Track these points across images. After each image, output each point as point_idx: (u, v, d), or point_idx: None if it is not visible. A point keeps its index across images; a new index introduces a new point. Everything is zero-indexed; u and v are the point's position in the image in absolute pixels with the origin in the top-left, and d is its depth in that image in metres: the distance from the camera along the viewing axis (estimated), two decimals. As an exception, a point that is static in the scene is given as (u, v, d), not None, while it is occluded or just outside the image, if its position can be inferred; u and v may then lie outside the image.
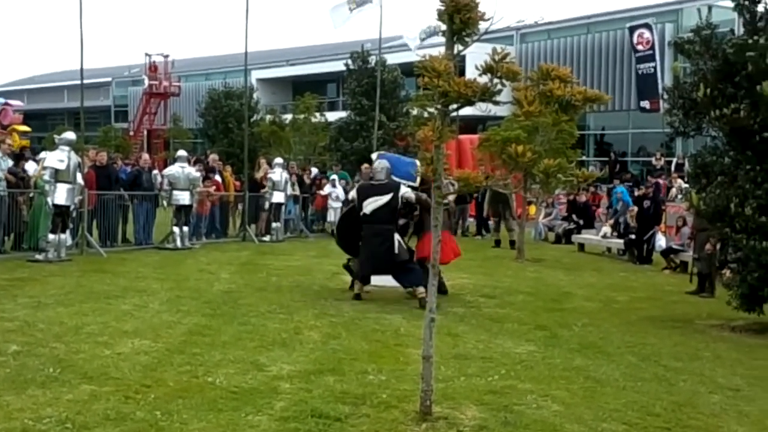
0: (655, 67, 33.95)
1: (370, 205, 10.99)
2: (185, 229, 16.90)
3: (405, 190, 11.06)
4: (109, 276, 12.45)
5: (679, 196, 18.30)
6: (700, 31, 10.89)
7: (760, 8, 10.27)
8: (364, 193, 11.22)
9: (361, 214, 11.08)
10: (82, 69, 15.75)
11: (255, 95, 36.74)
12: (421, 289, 10.44)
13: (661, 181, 22.88)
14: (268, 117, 34.50)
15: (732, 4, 10.51)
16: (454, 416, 5.86)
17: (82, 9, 15.19)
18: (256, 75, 46.84)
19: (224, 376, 6.76)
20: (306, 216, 21.86)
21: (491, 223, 21.49)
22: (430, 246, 10.67)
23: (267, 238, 19.15)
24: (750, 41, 9.74)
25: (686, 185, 15.47)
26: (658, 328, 10.18)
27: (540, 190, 20.20)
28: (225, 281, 12.51)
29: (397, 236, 11.10)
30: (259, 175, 20.34)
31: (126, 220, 17.27)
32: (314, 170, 24.01)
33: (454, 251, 11.73)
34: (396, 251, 11.01)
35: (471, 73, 6.07)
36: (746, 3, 10.28)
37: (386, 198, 10.95)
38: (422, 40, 22.02)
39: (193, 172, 17.45)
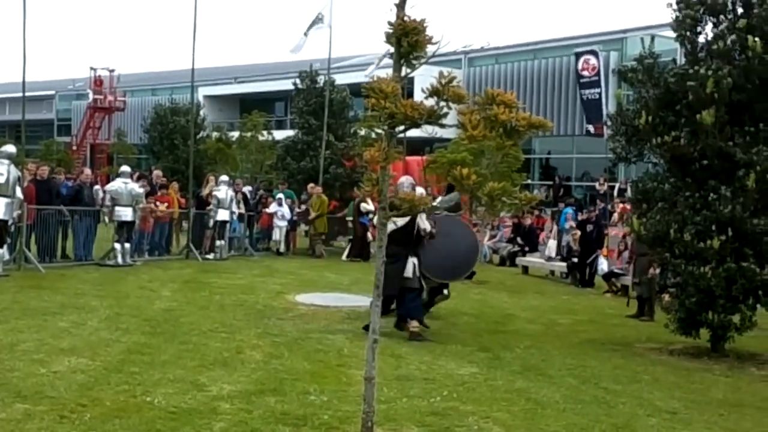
0: (600, 93, 34.55)
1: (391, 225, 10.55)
2: (127, 245, 16.63)
3: (421, 220, 10.49)
4: (47, 292, 12.19)
5: (622, 221, 18.60)
6: (643, 59, 11.13)
7: (701, 39, 10.54)
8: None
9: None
10: (24, 81, 15.46)
11: (202, 112, 36.40)
12: (415, 323, 10.32)
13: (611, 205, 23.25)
14: (215, 134, 34.25)
15: (674, 35, 10.78)
16: (396, 438, 5.85)
17: (25, 20, 14.93)
18: (203, 92, 46.53)
19: (163, 395, 6.65)
20: (251, 234, 21.72)
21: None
22: None
23: (211, 256, 18.96)
24: (691, 71, 9.98)
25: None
26: (598, 351, 10.31)
27: (485, 212, 20.38)
28: (166, 299, 12.34)
29: (413, 260, 10.52)
30: (205, 192, 20.16)
31: (66, 235, 16.92)
32: (247, 188, 23.88)
33: None
34: (407, 275, 10.45)
35: (419, 95, 6.11)
36: (687, 34, 10.54)
37: (403, 221, 10.21)
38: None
39: (137, 188, 17.21)
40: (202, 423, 5.98)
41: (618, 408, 7.34)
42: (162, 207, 18.63)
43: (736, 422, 7.20)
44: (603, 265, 17.91)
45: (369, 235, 19.63)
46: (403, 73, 5.73)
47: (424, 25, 5.58)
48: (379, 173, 5.80)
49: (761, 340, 11.14)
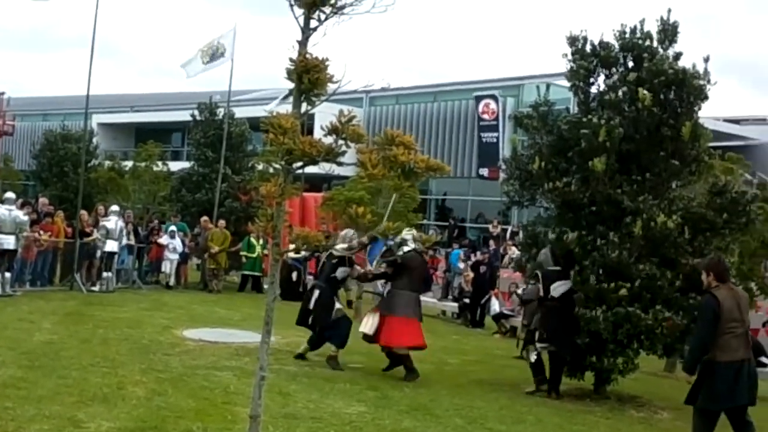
0: (497, 137, 35.43)
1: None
2: (7, 275, 15.93)
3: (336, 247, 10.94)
4: None
5: (512, 264, 18.99)
6: (538, 107, 11.46)
7: (594, 90, 10.95)
8: None
9: None
10: None
11: (95, 140, 35.53)
12: (333, 348, 10.84)
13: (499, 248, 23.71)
14: (107, 163, 33.38)
15: (568, 84, 11.15)
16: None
17: None
18: (97, 119, 45.42)
19: (37, 432, 6.34)
20: (140, 266, 21.15)
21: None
22: (396, 333, 10.75)
23: (96, 287, 18.34)
24: (584, 119, 10.33)
25: (519, 253, 16.07)
26: (486, 391, 10.41)
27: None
28: (47, 331, 11.83)
29: (317, 292, 11.13)
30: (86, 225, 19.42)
31: (-58, 263, 16.10)
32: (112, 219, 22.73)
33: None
34: (311, 306, 11.11)
35: (318, 132, 6.10)
36: (581, 84, 10.93)
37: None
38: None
39: (21, 215, 16.53)
40: (77, 462, 5.72)
41: (504, 449, 7.41)
42: (45, 236, 17.93)
43: (617, 464, 7.36)
44: (495, 305, 18.20)
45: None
46: (303, 110, 5.72)
47: (326, 63, 5.59)
48: (275, 209, 5.74)
49: (641, 383, 11.50)
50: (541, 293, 10.51)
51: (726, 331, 7.26)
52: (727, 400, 7.29)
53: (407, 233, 10.99)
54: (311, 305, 11.13)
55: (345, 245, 10.90)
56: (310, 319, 11.20)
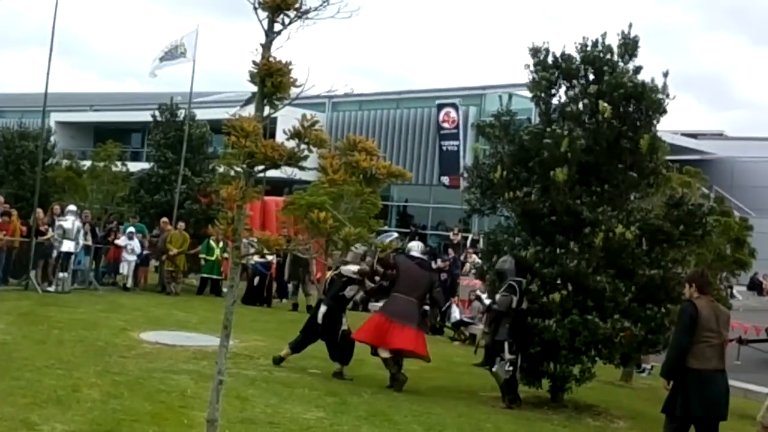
0: (458, 146, 35.62)
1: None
2: (-39, 273, 15.66)
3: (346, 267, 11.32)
4: None
5: (473, 271, 19.07)
6: (500, 116, 11.55)
7: (555, 101, 11.06)
8: None
9: None
10: None
11: (53, 138, 35.02)
12: (337, 365, 10.95)
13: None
14: (65, 162, 32.90)
15: (530, 95, 11.25)
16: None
17: None
18: (55, 117, 44.81)
19: (-12, 435, 6.23)
20: (97, 267, 20.88)
21: (290, 286, 21.42)
22: (369, 327, 10.74)
23: (52, 288, 18.06)
24: (546, 130, 10.43)
25: (479, 261, 16.16)
26: (444, 398, 10.44)
27: (341, 256, 20.41)
28: (0, 332, 11.62)
29: (323, 308, 11.30)
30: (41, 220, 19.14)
31: None
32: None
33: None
34: (319, 320, 11.24)
35: (281, 136, 6.08)
36: (542, 95, 11.03)
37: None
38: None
39: (-25, 213, 16.27)
40: (29, 465, 5.63)
41: (461, 456, 7.43)
42: (0, 235, 17.61)
43: (572, 472, 7.42)
44: (455, 313, 18.26)
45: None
46: (265, 113, 5.70)
47: (290, 67, 5.58)
48: (235, 212, 5.71)
49: (597, 392, 11.61)
50: (514, 305, 10.36)
51: (701, 339, 7.39)
52: (698, 408, 7.38)
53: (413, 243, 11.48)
54: (319, 320, 11.28)
55: (356, 268, 11.06)
56: (317, 334, 11.36)
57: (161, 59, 23.54)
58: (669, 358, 7.81)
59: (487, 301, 11.24)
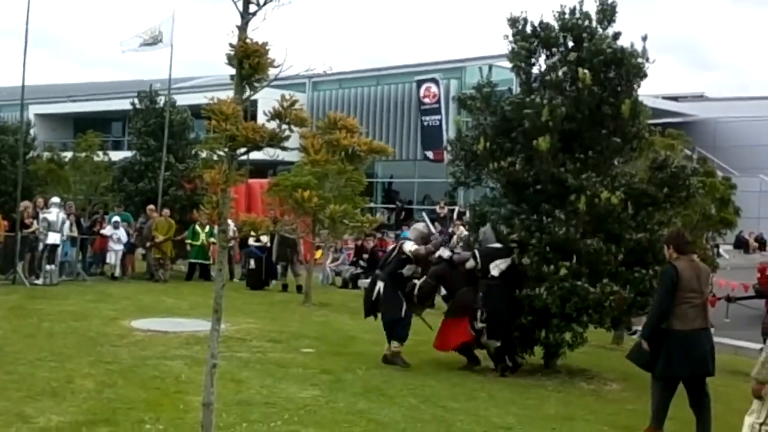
0: (440, 120, 35.57)
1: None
2: (-53, 270, 15.58)
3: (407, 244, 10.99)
4: None
5: (460, 243, 19.11)
6: (481, 88, 11.52)
7: (535, 70, 11.04)
8: None
9: None
10: None
11: (32, 131, 34.75)
12: (395, 344, 10.61)
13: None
14: (46, 154, 32.67)
15: (510, 65, 11.23)
16: (235, 465, 5.72)
17: None
18: (34, 110, 44.39)
19: (-16, 430, 6.24)
20: (84, 258, 20.81)
21: (279, 267, 21.41)
22: (454, 334, 10.62)
23: (39, 281, 18.00)
24: (527, 100, 10.43)
25: (467, 233, 16.20)
26: (438, 370, 10.50)
27: (328, 235, 20.42)
28: (-10, 327, 11.62)
29: (380, 284, 10.84)
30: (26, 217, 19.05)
31: None
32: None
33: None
34: (373, 298, 10.91)
35: (262, 118, 6.06)
36: (522, 65, 11.01)
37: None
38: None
39: (-41, 209, 16.16)
40: (27, 458, 5.64)
41: (456, 426, 7.50)
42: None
43: (568, 436, 7.50)
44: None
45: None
46: (245, 96, 5.68)
47: (267, 47, 5.55)
48: (220, 196, 5.70)
49: (590, 356, 11.70)
50: (471, 266, 10.46)
51: (683, 300, 7.47)
52: (683, 367, 7.46)
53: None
54: (374, 297, 10.92)
55: (415, 248, 10.74)
56: (377, 312, 11.00)
57: (139, 45, 23.35)
58: (650, 321, 7.89)
59: (447, 254, 11.11)
